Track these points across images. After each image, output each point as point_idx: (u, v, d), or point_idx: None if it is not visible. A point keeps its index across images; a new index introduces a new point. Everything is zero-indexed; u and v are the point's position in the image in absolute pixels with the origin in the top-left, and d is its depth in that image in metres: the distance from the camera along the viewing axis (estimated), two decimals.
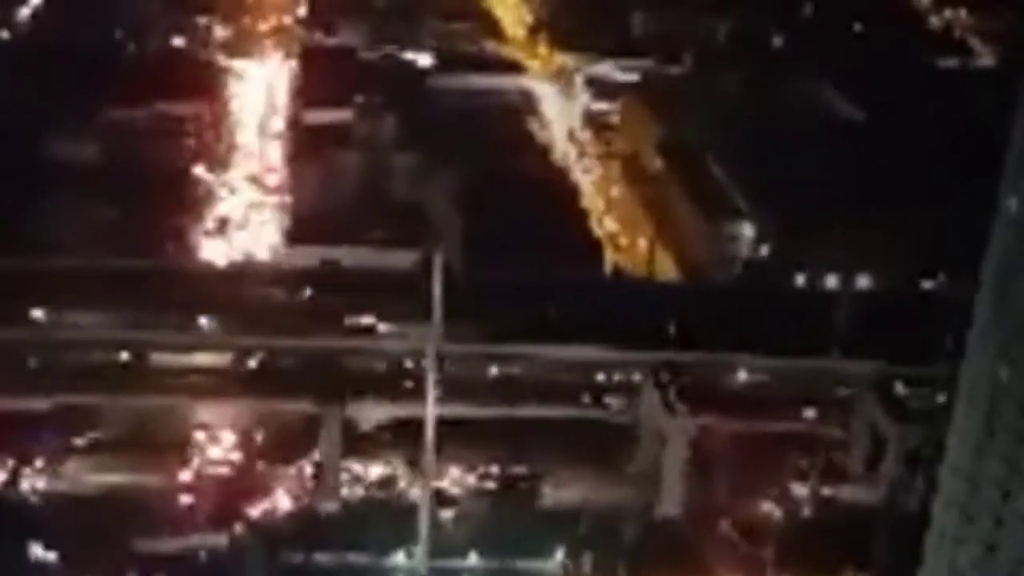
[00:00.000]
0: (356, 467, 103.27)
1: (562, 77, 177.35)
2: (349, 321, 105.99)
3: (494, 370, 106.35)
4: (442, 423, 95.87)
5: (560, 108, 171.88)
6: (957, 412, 65.69)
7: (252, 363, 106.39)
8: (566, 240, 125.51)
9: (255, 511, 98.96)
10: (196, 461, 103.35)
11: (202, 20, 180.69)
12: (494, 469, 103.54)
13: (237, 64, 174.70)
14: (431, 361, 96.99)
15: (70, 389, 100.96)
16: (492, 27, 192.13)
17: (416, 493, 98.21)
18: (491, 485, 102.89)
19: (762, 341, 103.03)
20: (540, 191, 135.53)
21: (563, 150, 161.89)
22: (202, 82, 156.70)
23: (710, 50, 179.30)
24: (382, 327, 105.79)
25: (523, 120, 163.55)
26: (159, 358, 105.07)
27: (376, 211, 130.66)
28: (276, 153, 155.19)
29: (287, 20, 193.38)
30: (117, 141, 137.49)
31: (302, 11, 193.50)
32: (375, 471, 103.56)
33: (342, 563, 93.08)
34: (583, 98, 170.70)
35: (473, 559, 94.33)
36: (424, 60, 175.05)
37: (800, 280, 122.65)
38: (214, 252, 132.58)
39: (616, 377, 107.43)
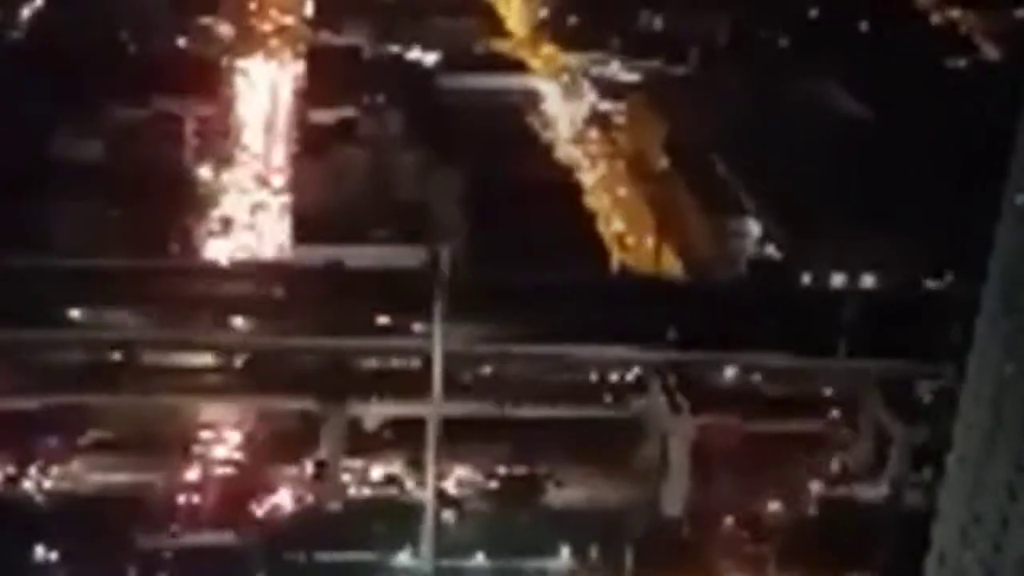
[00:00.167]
0: (360, 466, 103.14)
1: (567, 76, 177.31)
2: (354, 320, 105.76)
3: (499, 369, 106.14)
4: (446, 422, 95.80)
5: (565, 107, 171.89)
6: (963, 410, 65.56)
7: (256, 362, 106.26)
8: (572, 239, 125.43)
9: (259, 510, 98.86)
10: (199, 460, 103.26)
11: (206, 20, 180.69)
12: (498, 468, 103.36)
13: (241, 64, 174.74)
14: (436, 360, 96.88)
15: (71, 388, 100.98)
16: (497, 26, 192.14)
17: (420, 492, 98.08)
18: (495, 484, 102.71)
19: (768, 340, 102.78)
20: (545, 190, 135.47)
21: (568, 149, 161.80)
22: (206, 82, 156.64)
23: (715, 49, 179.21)
24: (387, 326, 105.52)
25: (528, 119, 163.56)
26: (162, 357, 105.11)
27: (381, 210, 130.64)
28: (281, 152, 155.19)
29: (291, 20, 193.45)
30: (121, 141, 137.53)
31: (307, 10, 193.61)
32: (379, 470, 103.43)
33: (346, 562, 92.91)
34: (588, 97, 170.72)
35: (478, 558, 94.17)
36: (429, 59, 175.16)
37: (806, 279, 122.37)
38: (219, 251, 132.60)
39: (621, 376, 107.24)
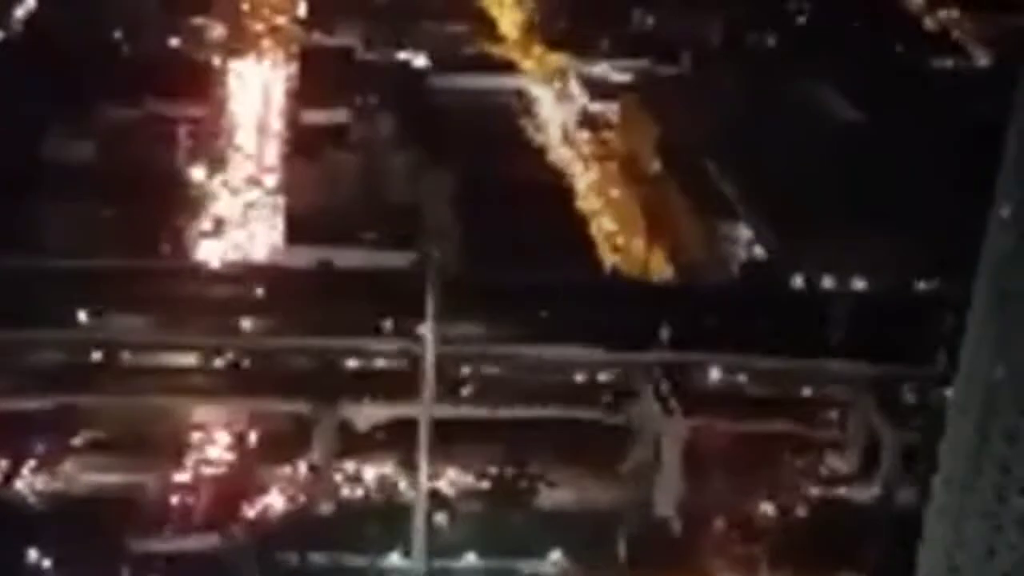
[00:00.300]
0: (351, 467, 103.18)
1: (558, 78, 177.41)
2: (345, 321, 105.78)
3: (490, 371, 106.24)
4: (438, 423, 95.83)
5: (556, 109, 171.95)
6: (952, 414, 65.65)
7: (247, 363, 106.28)
8: (563, 240, 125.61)
9: (250, 512, 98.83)
10: (191, 462, 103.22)
11: (198, 20, 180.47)
12: (490, 470, 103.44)
13: (234, 65, 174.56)
14: (427, 362, 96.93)
15: (62, 389, 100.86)
16: (488, 28, 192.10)
17: (411, 494, 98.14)
18: (487, 486, 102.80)
19: (758, 342, 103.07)
20: (536, 192, 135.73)
21: (559, 151, 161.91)
22: (198, 83, 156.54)
23: (708, 51, 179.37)
24: (378, 327, 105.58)
25: (519, 121, 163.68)
26: (153, 358, 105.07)
27: (373, 211, 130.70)
28: (273, 153, 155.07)
29: (283, 20, 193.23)
30: (112, 141, 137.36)
31: (299, 11, 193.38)
32: (370, 472, 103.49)
33: (337, 564, 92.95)
34: (579, 99, 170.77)
35: (469, 559, 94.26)
36: (421, 61, 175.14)
37: (796, 281, 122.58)
38: (210, 252, 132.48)
39: (612, 378, 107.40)
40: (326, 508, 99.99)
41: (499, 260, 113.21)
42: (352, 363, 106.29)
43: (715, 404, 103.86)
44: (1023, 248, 59.99)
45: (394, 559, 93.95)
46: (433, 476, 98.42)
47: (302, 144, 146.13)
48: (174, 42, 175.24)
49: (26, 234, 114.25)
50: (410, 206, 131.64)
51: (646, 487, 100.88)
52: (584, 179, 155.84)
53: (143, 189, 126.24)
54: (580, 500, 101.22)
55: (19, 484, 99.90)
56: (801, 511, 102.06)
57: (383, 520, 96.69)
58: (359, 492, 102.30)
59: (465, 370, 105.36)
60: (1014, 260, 60.77)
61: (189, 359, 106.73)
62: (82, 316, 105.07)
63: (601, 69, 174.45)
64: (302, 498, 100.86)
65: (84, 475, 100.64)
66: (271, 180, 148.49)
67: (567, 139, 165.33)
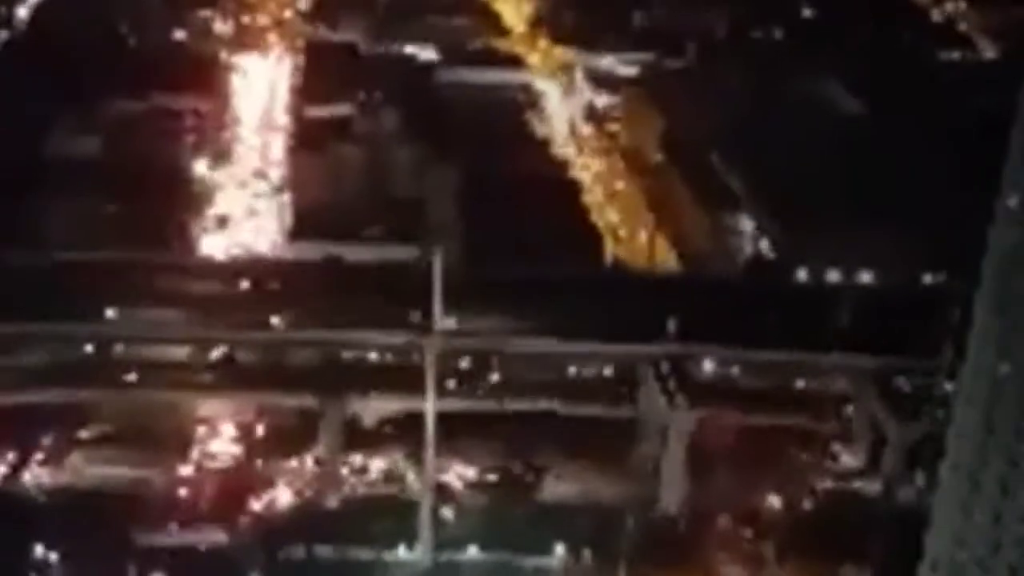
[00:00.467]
0: (358, 461, 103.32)
1: (563, 71, 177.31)
2: (351, 316, 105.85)
3: (495, 364, 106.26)
4: (443, 418, 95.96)
5: (561, 102, 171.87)
6: (957, 407, 65.69)
7: (253, 358, 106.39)
8: (567, 234, 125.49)
9: (257, 506, 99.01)
10: (198, 456, 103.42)
11: (203, 15, 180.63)
12: (495, 463, 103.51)
13: (239, 59, 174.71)
14: (432, 356, 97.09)
15: (68, 383, 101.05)
16: (494, 22, 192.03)
17: (418, 488, 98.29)
18: (492, 479, 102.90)
19: (763, 336, 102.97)
20: (542, 185, 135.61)
21: (564, 144, 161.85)
22: (203, 77, 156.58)
23: (712, 44, 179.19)
24: (384, 321, 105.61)
25: (525, 114, 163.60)
26: (159, 352, 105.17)
27: (378, 206, 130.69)
28: (278, 148, 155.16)
29: (289, 15, 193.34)
30: (117, 136, 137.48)
31: (304, 5, 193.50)
32: (377, 465, 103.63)
33: (343, 557, 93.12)
34: (585, 92, 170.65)
35: (474, 553, 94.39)
36: (426, 55, 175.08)
37: (801, 274, 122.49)
38: (215, 247, 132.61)
39: (617, 372, 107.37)
40: (332, 502, 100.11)
41: (504, 254, 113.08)
42: (358, 357, 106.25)
43: (720, 397, 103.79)
44: None
45: (400, 552, 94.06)
46: (439, 470, 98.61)
47: (307, 138, 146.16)
48: (179, 36, 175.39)
49: (30, 228, 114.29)
50: (415, 200, 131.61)
51: (651, 481, 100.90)
52: (589, 172, 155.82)
53: (148, 183, 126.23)
54: (586, 494, 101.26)
55: (26, 477, 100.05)
56: (806, 504, 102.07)
57: (389, 514, 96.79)
58: (365, 486, 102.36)
59: (470, 364, 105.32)
60: (1020, 253, 60.77)
61: (195, 353, 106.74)
62: (87, 311, 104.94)
63: (607, 63, 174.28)
64: (308, 492, 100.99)
65: (91, 469, 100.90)
66: (276, 174, 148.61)
67: (572, 133, 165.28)
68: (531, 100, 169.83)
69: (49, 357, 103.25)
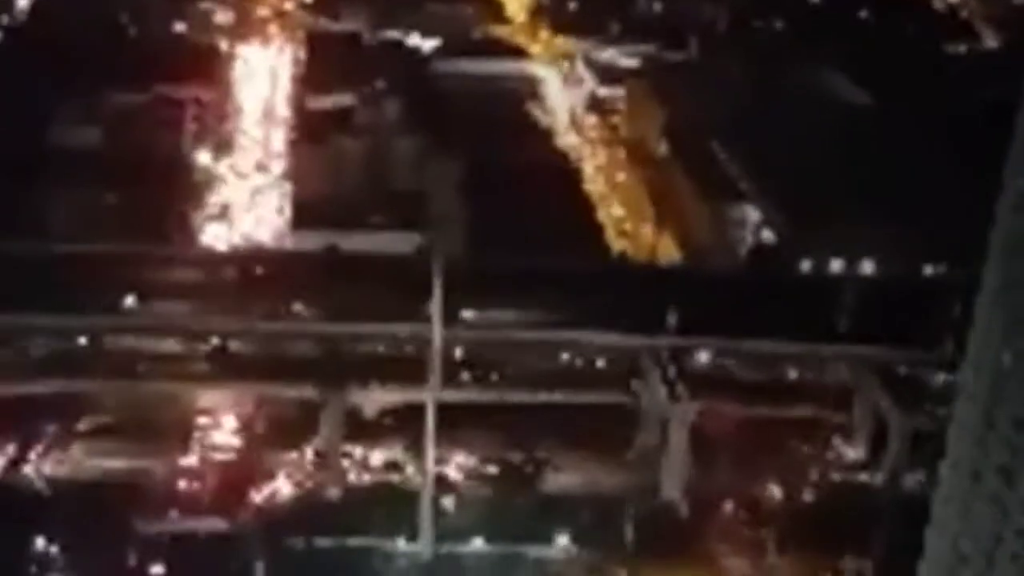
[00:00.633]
0: (359, 452, 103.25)
1: (566, 62, 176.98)
2: (352, 306, 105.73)
3: (496, 355, 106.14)
4: (444, 408, 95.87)
5: (564, 93, 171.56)
6: (960, 397, 65.51)
7: (254, 348, 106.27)
8: (569, 225, 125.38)
9: (258, 497, 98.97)
10: (198, 446, 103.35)
11: (204, 5, 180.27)
12: (497, 454, 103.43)
13: (240, 49, 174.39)
14: (433, 346, 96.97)
15: (68, 374, 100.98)
16: (495, 12, 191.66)
17: (418, 478, 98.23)
18: (493, 470, 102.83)
19: (766, 326, 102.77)
20: (543, 176, 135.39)
21: (567, 135, 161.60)
22: (205, 67, 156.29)
23: (715, 35, 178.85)
24: (385, 312, 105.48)
25: (526, 105, 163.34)
26: (159, 343, 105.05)
27: (379, 196, 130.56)
28: (279, 138, 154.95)
29: (289, 5, 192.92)
30: (119, 127, 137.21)
31: None
32: (377, 456, 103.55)
33: (344, 548, 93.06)
34: (587, 83, 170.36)
35: (476, 544, 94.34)
36: (427, 45, 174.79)
37: (804, 265, 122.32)
38: (216, 237, 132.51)
39: (619, 362, 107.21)
40: (333, 493, 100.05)
41: (506, 245, 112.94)
42: (359, 348, 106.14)
43: (722, 388, 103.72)
44: None
45: (401, 543, 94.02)
46: (440, 461, 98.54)
47: (308, 129, 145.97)
48: (180, 27, 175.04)
49: (31, 219, 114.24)
50: (417, 190, 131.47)
51: (653, 471, 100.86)
52: (591, 163, 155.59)
53: (149, 174, 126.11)
54: (587, 484, 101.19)
55: (26, 469, 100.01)
56: (807, 496, 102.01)
57: (390, 505, 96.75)
58: (366, 477, 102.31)
59: (471, 355, 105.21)
60: (1022, 242, 60.51)
61: (196, 344, 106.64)
62: (89, 302, 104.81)
63: (609, 53, 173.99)
64: (309, 483, 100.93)
65: (90, 460, 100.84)
66: (277, 165, 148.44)
67: (574, 124, 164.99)
68: (532, 90, 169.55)
69: (49, 348, 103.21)
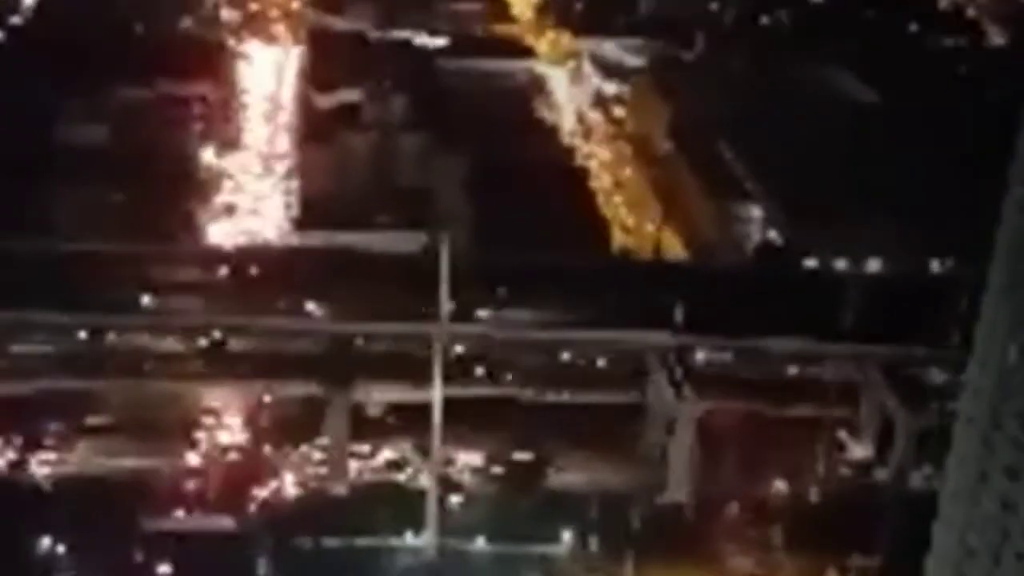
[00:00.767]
0: (364, 451, 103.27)
1: (572, 60, 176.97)
2: (358, 304, 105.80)
3: (502, 353, 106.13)
4: (450, 407, 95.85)
5: (569, 90, 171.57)
6: (965, 395, 65.49)
7: (260, 346, 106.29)
8: (575, 222, 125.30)
9: (263, 494, 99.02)
10: (204, 444, 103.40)
11: (210, 2, 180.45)
12: (503, 453, 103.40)
13: (246, 47, 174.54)
14: (439, 344, 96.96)
15: (74, 372, 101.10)
16: (501, 10, 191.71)
17: (424, 476, 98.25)
18: (500, 469, 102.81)
19: (771, 324, 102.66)
20: (549, 173, 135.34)
21: (572, 132, 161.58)
22: (211, 65, 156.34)
23: (721, 33, 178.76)
24: (391, 310, 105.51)
25: (532, 102, 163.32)
26: (165, 341, 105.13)
27: (385, 194, 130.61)
28: (285, 136, 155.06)
29: (296, 3, 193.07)
30: (125, 124, 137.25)
31: None
32: (383, 454, 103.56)
33: (350, 546, 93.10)
34: (592, 80, 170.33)
35: (481, 542, 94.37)
36: (433, 43, 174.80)
37: (810, 263, 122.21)
38: (222, 235, 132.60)
39: (624, 360, 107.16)
40: (339, 490, 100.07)
41: (511, 242, 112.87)
42: (365, 346, 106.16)
43: (727, 386, 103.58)
44: None
45: (406, 541, 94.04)
46: (445, 459, 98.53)
47: (314, 126, 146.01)
48: (186, 24, 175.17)
49: (37, 217, 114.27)
50: (423, 188, 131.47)
51: (658, 470, 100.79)
52: (597, 161, 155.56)
53: (155, 171, 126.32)
54: (593, 483, 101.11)
55: (33, 467, 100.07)
56: (814, 494, 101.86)
57: (395, 502, 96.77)
58: (372, 474, 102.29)
59: (477, 352, 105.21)
60: None
61: (202, 342, 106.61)
62: (94, 299, 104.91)
63: (614, 51, 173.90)
64: (315, 480, 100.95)
65: (96, 458, 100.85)
66: (283, 163, 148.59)
67: (580, 121, 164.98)
68: (538, 88, 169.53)
69: (54, 346, 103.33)
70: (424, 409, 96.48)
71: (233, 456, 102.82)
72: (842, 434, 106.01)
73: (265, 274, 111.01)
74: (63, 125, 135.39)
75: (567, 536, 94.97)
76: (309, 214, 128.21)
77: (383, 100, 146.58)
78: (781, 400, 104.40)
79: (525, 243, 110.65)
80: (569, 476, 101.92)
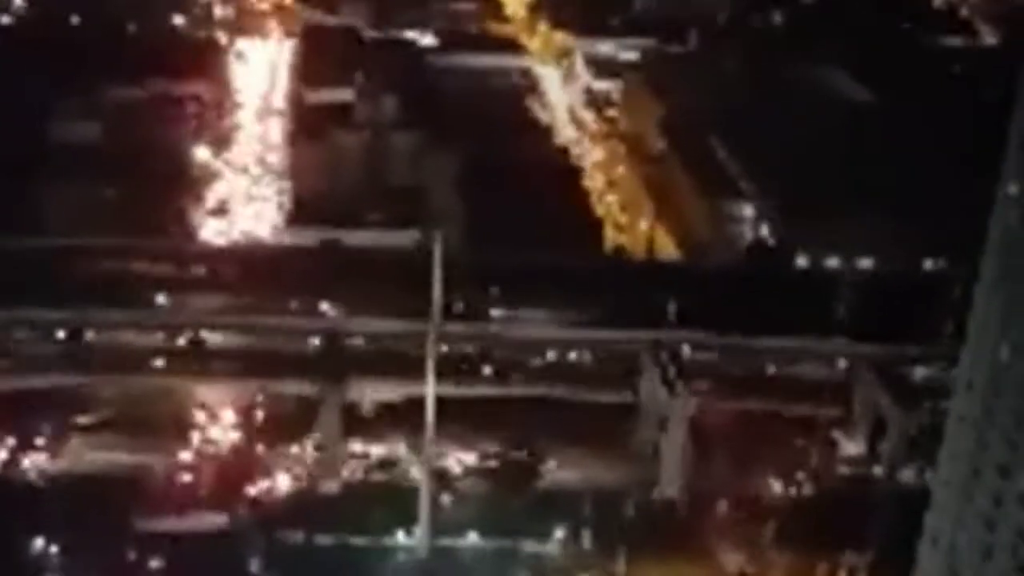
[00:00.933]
0: (357, 448, 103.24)
1: (564, 57, 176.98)
2: (351, 302, 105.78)
3: (495, 350, 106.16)
4: (443, 403, 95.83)
5: (562, 88, 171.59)
6: (957, 392, 65.64)
7: (253, 344, 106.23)
8: (568, 220, 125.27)
9: (256, 492, 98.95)
10: (197, 442, 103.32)
11: (203, 0, 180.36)
12: (495, 450, 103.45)
13: (239, 45, 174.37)
14: (432, 342, 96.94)
15: (67, 369, 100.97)
16: (494, 7, 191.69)
17: (417, 474, 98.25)
18: (492, 465, 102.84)
19: (764, 322, 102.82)
20: (542, 171, 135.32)
21: (565, 130, 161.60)
22: (203, 63, 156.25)
23: (714, 30, 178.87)
24: (383, 308, 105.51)
25: (525, 100, 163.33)
26: (159, 338, 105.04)
27: (378, 192, 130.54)
28: (277, 133, 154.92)
29: (288, 0, 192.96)
30: (117, 122, 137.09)
31: None
32: (376, 452, 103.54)
33: (343, 543, 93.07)
34: (585, 78, 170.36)
35: (474, 539, 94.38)
36: (426, 40, 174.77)
37: (802, 261, 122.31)
38: (214, 232, 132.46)
39: (617, 358, 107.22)
40: (332, 488, 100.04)
41: (504, 240, 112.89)
42: (358, 343, 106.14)
43: (720, 383, 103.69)
44: None
45: (399, 538, 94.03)
46: (438, 456, 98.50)
47: (307, 124, 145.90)
48: (179, 22, 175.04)
49: (31, 214, 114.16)
50: (415, 186, 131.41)
51: (650, 467, 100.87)
52: (590, 158, 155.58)
53: (147, 169, 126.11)
54: (586, 480, 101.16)
55: (25, 464, 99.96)
56: (806, 491, 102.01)
57: (388, 500, 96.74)
58: (365, 472, 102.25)
59: (470, 350, 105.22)
60: (1020, 237, 60.64)
61: (194, 339, 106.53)
62: (87, 297, 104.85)
63: (607, 48, 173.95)
64: (308, 478, 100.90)
65: (90, 455, 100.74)
66: (276, 160, 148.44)
67: (573, 118, 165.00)
68: (531, 85, 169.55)
69: (47, 343, 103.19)
70: (417, 407, 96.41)
71: (226, 454, 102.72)
72: (835, 431, 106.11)
73: (257, 272, 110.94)
74: (55, 123, 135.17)
75: (560, 533, 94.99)
76: (302, 211, 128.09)
77: (376, 98, 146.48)
78: (773, 397, 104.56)
79: (517, 242, 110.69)
80: (562, 473, 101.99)
